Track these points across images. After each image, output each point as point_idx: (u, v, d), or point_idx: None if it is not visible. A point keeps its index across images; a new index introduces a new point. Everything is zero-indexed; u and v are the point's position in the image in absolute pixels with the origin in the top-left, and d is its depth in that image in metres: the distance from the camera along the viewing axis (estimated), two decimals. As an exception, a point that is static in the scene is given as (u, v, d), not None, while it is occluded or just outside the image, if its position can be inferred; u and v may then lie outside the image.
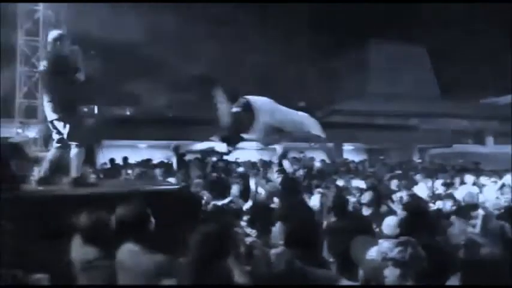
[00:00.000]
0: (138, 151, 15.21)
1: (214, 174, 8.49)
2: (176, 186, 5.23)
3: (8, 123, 11.39)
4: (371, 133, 18.69)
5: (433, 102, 19.81)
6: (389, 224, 4.04)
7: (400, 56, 21.55)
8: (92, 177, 5.30)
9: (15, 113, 11.33)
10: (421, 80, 21.37)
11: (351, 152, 19.47)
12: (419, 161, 17.16)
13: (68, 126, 4.36)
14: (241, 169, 10.19)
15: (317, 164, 11.50)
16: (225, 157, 12.18)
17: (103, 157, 9.57)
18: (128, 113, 16.03)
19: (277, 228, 3.43)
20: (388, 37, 19.94)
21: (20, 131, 11.11)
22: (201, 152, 5.99)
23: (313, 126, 4.74)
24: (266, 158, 11.95)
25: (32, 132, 10.85)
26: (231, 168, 10.05)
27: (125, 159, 11.32)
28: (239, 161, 12.03)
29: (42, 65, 4.53)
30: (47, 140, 8.27)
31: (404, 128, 19.22)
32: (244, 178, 7.32)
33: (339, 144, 18.82)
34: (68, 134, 4.36)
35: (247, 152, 12.27)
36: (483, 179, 8.83)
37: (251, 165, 11.19)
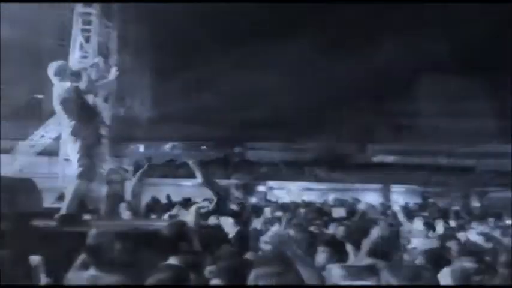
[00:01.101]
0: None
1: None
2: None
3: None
4: (424, 174, 18.07)
5: (490, 141, 18.28)
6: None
7: (450, 90, 20.53)
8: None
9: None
10: (476, 116, 20.17)
11: (402, 195, 18.85)
12: (478, 205, 16.57)
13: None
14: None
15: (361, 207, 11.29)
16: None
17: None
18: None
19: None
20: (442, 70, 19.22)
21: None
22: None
23: None
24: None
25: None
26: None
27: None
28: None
29: (54, 97, 4.47)
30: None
31: (460, 169, 18.37)
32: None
33: (386, 185, 18.48)
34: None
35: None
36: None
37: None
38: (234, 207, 4.81)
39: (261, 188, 17.63)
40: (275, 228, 2.62)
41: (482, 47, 17.08)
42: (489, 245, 5.46)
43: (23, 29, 11.02)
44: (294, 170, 16.53)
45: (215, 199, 4.91)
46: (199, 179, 4.95)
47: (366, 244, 2.89)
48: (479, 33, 16.07)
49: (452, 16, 16.08)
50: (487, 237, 6.05)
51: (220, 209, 4.77)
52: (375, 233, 2.81)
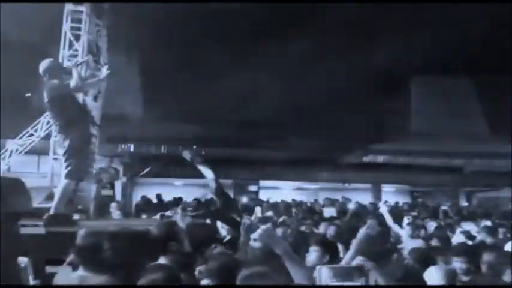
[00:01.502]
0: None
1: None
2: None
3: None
4: (414, 174, 18.11)
5: (481, 141, 18.26)
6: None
7: (444, 90, 20.65)
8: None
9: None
10: (468, 116, 20.32)
11: (392, 194, 19.04)
12: (466, 204, 16.70)
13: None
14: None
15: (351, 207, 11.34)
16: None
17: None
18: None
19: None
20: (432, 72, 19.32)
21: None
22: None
23: None
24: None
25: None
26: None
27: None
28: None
29: (44, 95, 4.42)
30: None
31: (449, 169, 18.30)
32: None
33: (377, 185, 18.82)
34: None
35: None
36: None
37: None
38: (235, 216, 4.79)
39: (252, 188, 17.63)
40: (264, 226, 2.63)
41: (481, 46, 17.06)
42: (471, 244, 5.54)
43: (17, 27, 10.89)
44: (287, 170, 16.59)
45: (218, 203, 4.88)
46: (210, 183, 4.89)
47: (354, 243, 2.92)
48: (479, 33, 16.05)
49: (451, 16, 16.07)
50: (469, 236, 6.13)
51: (223, 215, 4.75)
52: (362, 232, 2.85)
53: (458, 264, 3.44)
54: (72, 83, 4.47)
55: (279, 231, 4.50)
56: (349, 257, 2.97)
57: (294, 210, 10.58)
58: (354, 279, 2.38)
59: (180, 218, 4.49)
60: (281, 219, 5.81)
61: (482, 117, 19.91)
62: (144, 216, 7.83)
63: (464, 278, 3.30)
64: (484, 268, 3.32)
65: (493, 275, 3.09)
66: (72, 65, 4.79)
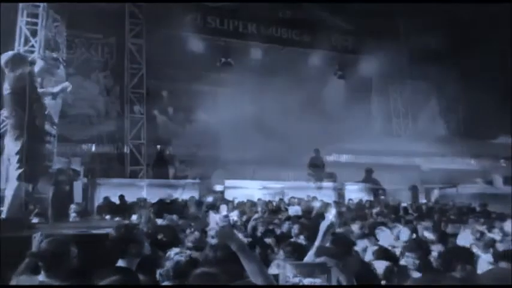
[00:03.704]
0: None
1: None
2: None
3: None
4: (375, 172, 18.56)
5: (438, 141, 19.30)
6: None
7: (405, 93, 21.40)
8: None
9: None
10: (427, 117, 21.18)
11: (354, 192, 19.03)
12: (425, 201, 17.27)
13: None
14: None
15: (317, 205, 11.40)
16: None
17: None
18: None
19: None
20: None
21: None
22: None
23: None
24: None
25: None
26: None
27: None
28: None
29: (4, 88, 4.22)
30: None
31: (409, 168, 19.01)
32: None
33: (341, 183, 18.79)
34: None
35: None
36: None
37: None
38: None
39: (218, 187, 17.51)
40: (222, 223, 2.63)
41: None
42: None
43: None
44: (253, 169, 16.64)
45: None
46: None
47: (317, 238, 2.98)
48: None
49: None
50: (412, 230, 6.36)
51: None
52: (323, 224, 2.91)
53: (410, 259, 3.56)
54: (37, 67, 4.39)
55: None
56: (317, 245, 3.01)
57: (259, 209, 10.61)
58: (317, 276, 2.41)
59: (143, 220, 4.41)
60: (256, 216, 5.84)
61: (440, 118, 20.88)
62: (107, 218, 7.61)
63: (416, 274, 3.41)
64: (434, 264, 3.44)
65: (443, 271, 3.20)
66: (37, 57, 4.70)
